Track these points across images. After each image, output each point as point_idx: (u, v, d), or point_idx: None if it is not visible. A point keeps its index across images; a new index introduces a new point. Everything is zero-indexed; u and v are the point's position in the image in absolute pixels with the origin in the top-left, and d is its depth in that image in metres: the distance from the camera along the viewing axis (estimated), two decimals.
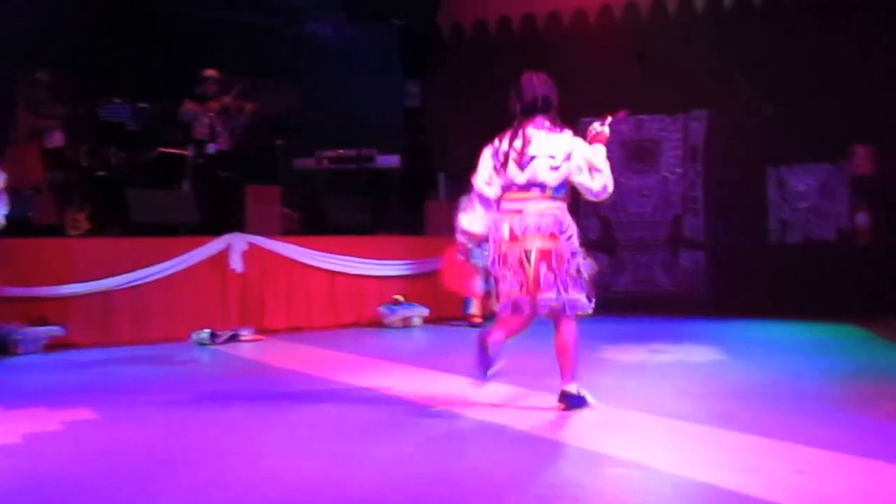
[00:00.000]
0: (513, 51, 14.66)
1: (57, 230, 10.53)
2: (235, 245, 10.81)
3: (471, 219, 6.20)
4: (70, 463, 4.54)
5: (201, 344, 9.83)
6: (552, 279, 5.85)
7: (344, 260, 11.67)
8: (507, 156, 6.22)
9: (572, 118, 14.10)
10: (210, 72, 12.05)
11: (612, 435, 4.83)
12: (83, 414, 5.74)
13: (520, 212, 5.98)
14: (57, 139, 11.48)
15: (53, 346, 9.36)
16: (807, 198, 13.03)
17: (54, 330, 9.41)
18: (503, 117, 13.22)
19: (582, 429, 5.00)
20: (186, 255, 10.42)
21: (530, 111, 6.43)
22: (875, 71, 12.45)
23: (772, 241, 13.24)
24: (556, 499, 3.75)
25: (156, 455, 4.67)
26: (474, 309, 11.18)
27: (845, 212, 12.81)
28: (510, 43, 14.75)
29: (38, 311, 9.43)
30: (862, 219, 12.59)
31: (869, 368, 7.67)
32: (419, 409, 5.84)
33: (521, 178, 6.08)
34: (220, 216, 11.76)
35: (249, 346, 9.79)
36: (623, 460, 4.27)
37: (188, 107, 11.91)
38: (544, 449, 4.62)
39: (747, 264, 13.21)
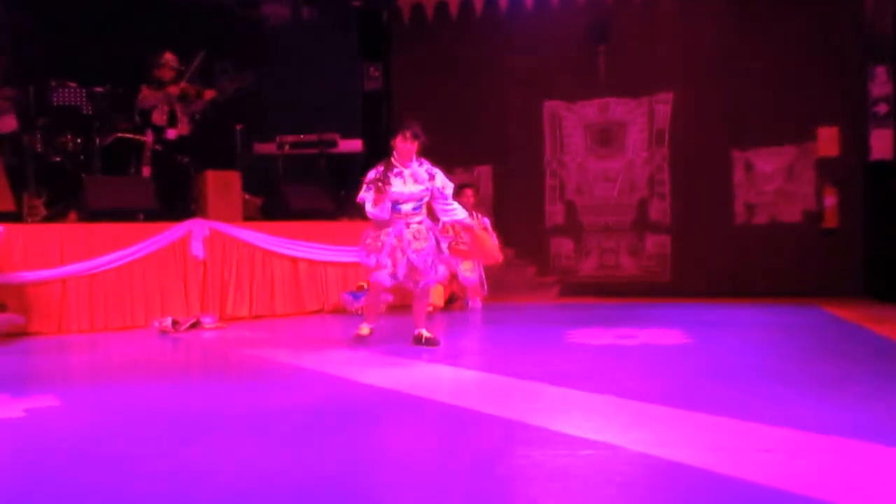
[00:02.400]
0: (475, 33, 14.71)
1: (14, 217, 10.49)
2: (196, 231, 10.81)
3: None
4: (34, 450, 4.56)
5: (163, 332, 9.85)
6: None
7: (306, 246, 11.69)
8: None
9: (537, 101, 14.32)
10: (167, 56, 12.01)
11: (579, 417, 4.87)
12: (47, 401, 5.74)
13: None
14: (9, 123, 11.39)
15: (11, 334, 9.35)
16: (773, 180, 13.15)
17: (13, 318, 9.40)
18: (465, 100, 13.49)
19: (549, 411, 5.05)
20: (146, 242, 10.43)
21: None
22: (839, 52, 12.59)
23: (738, 223, 13.36)
24: (523, 479, 3.81)
25: (121, 443, 4.69)
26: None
27: (811, 194, 12.94)
28: (472, 25, 14.78)
29: None
30: (828, 200, 12.72)
31: (834, 351, 7.77)
32: (383, 395, 5.89)
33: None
34: (180, 202, 11.76)
35: (212, 334, 9.80)
36: (591, 441, 4.32)
37: (145, 94, 11.88)
38: (511, 431, 4.65)
39: (713, 248, 13.34)
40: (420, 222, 7.93)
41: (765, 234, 13.17)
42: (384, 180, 7.68)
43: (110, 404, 5.85)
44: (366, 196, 7.86)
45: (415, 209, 7.90)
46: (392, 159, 7.94)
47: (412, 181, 7.86)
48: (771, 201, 13.19)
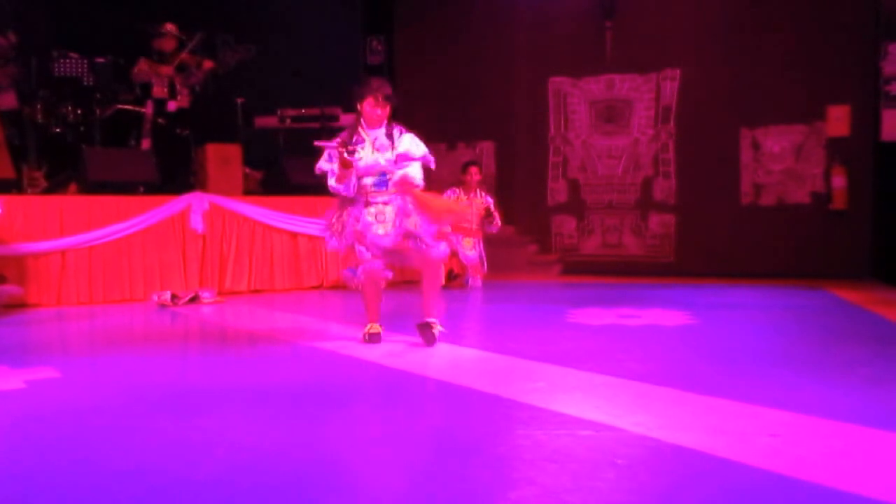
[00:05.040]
0: (480, 6, 14.67)
1: (14, 186, 10.48)
2: (196, 205, 10.80)
3: None
4: (34, 421, 4.55)
5: (162, 305, 9.86)
6: None
7: (307, 221, 11.66)
8: None
9: (542, 77, 14.26)
10: (168, 26, 11.99)
11: (580, 397, 4.85)
12: (46, 373, 5.74)
13: None
14: (9, 100, 11.38)
15: (10, 306, 9.35)
16: (781, 160, 13.11)
17: (12, 289, 9.40)
18: (469, 75, 13.29)
19: (550, 391, 5.03)
20: (146, 215, 10.43)
21: None
22: (851, 29, 12.52)
23: (745, 203, 13.33)
24: (522, 460, 3.79)
25: (119, 415, 4.68)
26: None
27: (820, 174, 12.90)
28: None
29: None
30: (837, 181, 12.67)
31: (841, 333, 7.73)
32: (383, 372, 5.88)
33: None
34: (180, 175, 11.75)
35: (211, 309, 9.79)
36: (592, 422, 4.30)
37: (142, 67, 11.86)
38: (510, 411, 4.63)
39: (719, 228, 13.33)
40: (386, 202, 6.85)
41: (772, 215, 13.14)
42: (350, 149, 6.66)
43: (110, 377, 5.84)
44: (326, 167, 6.89)
45: (376, 185, 6.84)
46: (359, 127, 6.95)
47: (371, 148, 6.84)
48: (778, 181, 13.15)
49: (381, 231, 6.78)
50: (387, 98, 6.85)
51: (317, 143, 6.83)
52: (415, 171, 6.81)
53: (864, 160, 12.43)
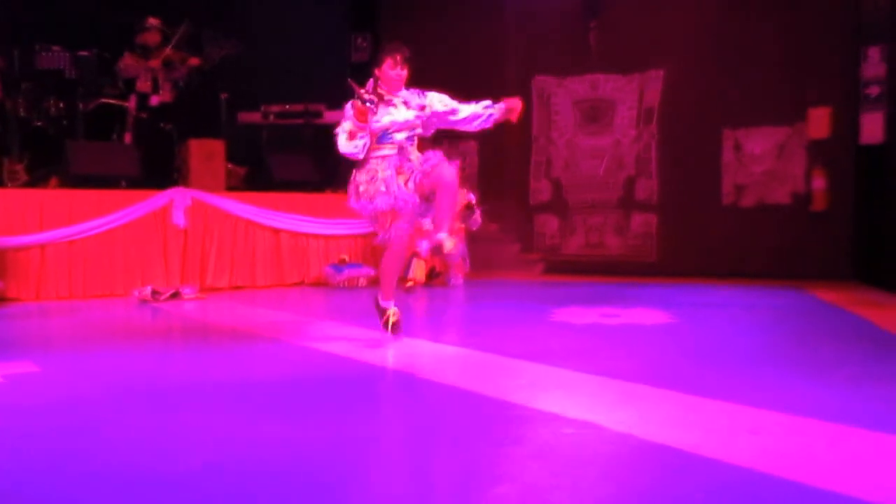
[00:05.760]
0: (465, 5, 14.65)
1: None
2: (178, 200, 10.75)
3: None
4: (13, 415, 4.52)
5: (143, 301, 9.81)
6: None
7: (289, 218, 11.64)
8: None
9: (526, 76, 14.25)
10: (152, 20, 11.94)
11: (562, 395, 4.85)
12: (25, 367, 5.71)
13: None
14: None
15: None
16: (762, 161, 13.12)
17: None
18: (454, 73, 13.22)
19: (533, 389, 5.02)
20: (127, 210, 10.37)
21: None
22: (833, 32, 12.55)
23: (726, 204, 13.34)
24: (504, 457, 3.78)
25: (100, 410, 4.66)
26: (413, 272, 11.20)
27: (801, 175, 12.92)
28: None
29: None
30: (817, 183, 12.70)
31: (822, 333, 7.75)
32: (364, 369, 5.86)
33: None
34: (163, 170, 11.70)
35: (192, 305, 9.75)
36: (575, 420, 4.29)
37: (125, 62, 11.82)
38: (493, 409, 4.62)
39: (700, 228, 13.32)
40: (409, 158, 6.74)
41: (753, 216, 13.15)
42: (369, 98, 6.45)
43: (90, 372, 5.81)
44: (341, 128, 6.65)
45: (409, 139, 6.77)
46: (378, 88, 6.74)
47: (404, 108, 6.76)
48: (760, 182, 13.16)
49: (402, 182, 6.61)
50: (406, 59, 6.78)
51: (350, 81, 6.55)
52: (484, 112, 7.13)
53: (844, 162, 12.44)
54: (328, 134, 13.87)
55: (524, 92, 14.22)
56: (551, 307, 9.12)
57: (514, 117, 7.14)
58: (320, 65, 14.27)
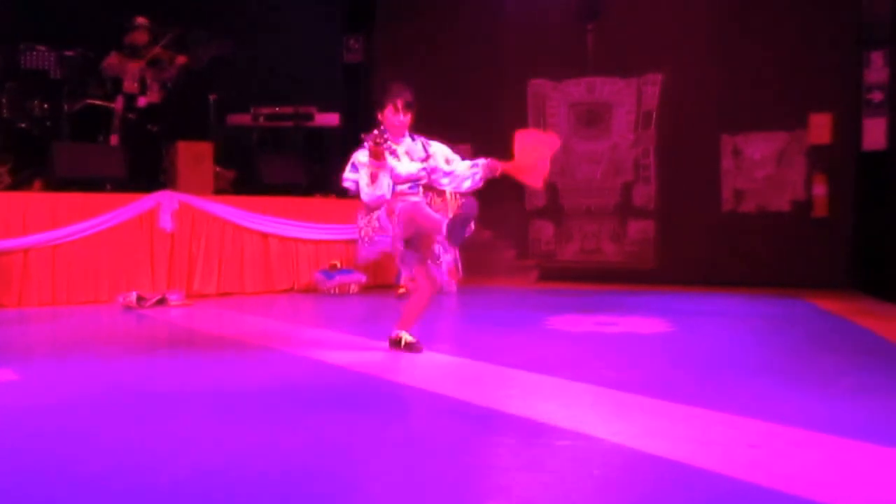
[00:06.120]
0: (461, 6, 14.64)
1: None
2: (165, 204, 10.72)
3: None
4: None
5: (127, 307, 9.77)
6: None
7: (278, 222, 11.62)
8: None
9: (522, 79, 14.25)
10: (140, 19, 11.92)
11: (556, 405, 4.82)
12: (4, 375, 5.67)
13: None
14: None
15: None
16: (762, 167, 13.13)
17: None
18: (448, 76, 13.15)
19: (526, 399, 5.00)
20: (113, 213, 10.33)
21: None
22: (834, 36, 12.55)
23: (725, 210, 13.35)
24: (496, 469, 3.76)
25: (82, 419, 4.62)
26: (405, 281, 11.20)
27: (801, 182, 12.92)
28: None
29: None
30: (818, 189, 12.70)
31: (822, 343, 7.74)
32: (354, 378, 5.83)
33: None
34: (150, 173, 11.67)
35: (179, 312, 9.72)
36: (569, 431, 4.26)
37: (111, 62, 11.78)
38: (484, 419, 4.59)
39: (699, 235, 13.33)
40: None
41: (752, 223, 13.17)
42: (383, 147, 6.22)
43: (72, 380, 5.77)
44: (353, 177, 6.55)
45: (411, 189, 6.65)
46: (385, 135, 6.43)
47: (407, 159, 6.65)
48: (760, 188, 13.18)
49: (426, 209, 6.60)
50: (407, 105, 6.63)
51: (363, 135, 6.43)
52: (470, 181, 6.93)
53: (845, 169, 12.45)
54: (318, 137, 13.94)
55: (520, 94, 14.24)
56: (546, 315, 9.11)
57: (497, 174, 6.96)
58: (312, 66, 14.26)
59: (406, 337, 6.71)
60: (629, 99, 14.02)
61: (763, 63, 12.97)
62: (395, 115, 6.58)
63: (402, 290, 9.88)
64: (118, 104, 11.70)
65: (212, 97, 12.96)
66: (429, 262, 6.63)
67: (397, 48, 14.88)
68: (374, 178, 6.34)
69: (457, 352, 7.02)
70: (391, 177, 6.43)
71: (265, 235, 11.58)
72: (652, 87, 13.87)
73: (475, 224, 10.67)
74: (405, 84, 6.80)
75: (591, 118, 14.20)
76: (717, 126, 13.34)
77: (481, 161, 6.94)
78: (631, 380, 5.64)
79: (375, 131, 6.22)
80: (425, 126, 14.25)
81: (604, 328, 8.20)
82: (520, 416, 4.60)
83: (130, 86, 11.75)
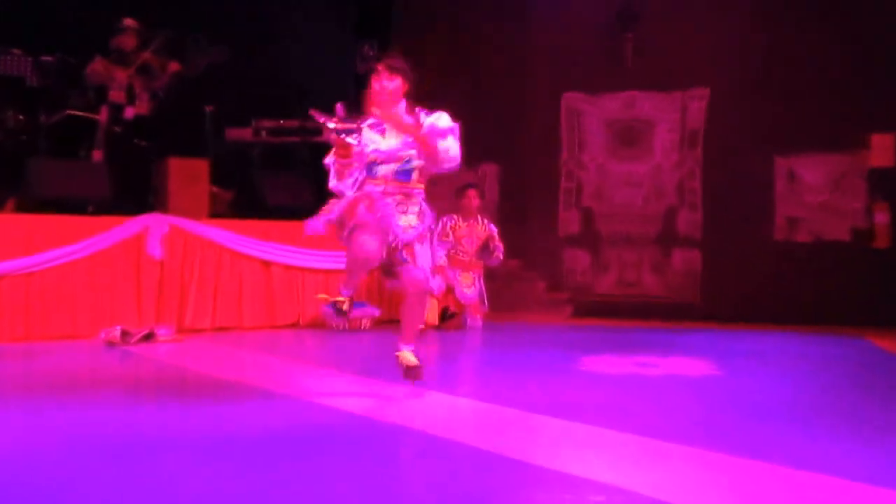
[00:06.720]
0: (487, 11, 14.69)
1: None
2: (154, 228, 10.68)
3: None
4: None
5: (110, 343, 9.74)
6: None
7: (282, 249, 11.59)
8: None
9: (554, 92, 14.24)
10: (129, 21, 11.94)
11: (591, 457, 4.80)
12: None
13: None
14: None
15: None
16: (818, 192, 13.12)
17: None
18: (475, 86, 13.12)
19: (557, 450, 4.97)
20: (95, 238, 10.27)
21: None
22: None
23: (778, 240, 13.32)
24: None
25: (58, 469, 4.59)
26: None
27: (861, 209, 12.91)
28: (483, 3, 14.77)
29: None
30: (880, 217, 12.67)
31: (883, 388, 7.76)
32: (363, 424, 5.80)
33: None
34: (137, 193, 11.68)
35: (168, 348, 9.69)
36: (603, 484, 4.23)
37: (96, 68, 11.79)
38: (514, 472, 4.56)
39: (749, 266, 13.30)
40: (407, 195, 6.47)
41: (807, 253, 13.15)
42: (349, 130, 6.13)
43: (45, 427, 5.72)
44: (329, 161, 6.51)
45: (398, 175, 6.43)
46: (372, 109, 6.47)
47: (392, 134, 6.46)
48: (815, 216, 13.18)
49: (404, 222, 6.31)
50: (393, 69, 6.46)
51: (311, 110, 6.37)
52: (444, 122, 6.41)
53: None
54: (328, 154, 13.91)
55: (552, 110, 14.24)
56: (579, 354, 9.11)
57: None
58: (321, 75, 14.28)
59: (408, 358, 6.59)
60: (672, 116, 14.03)
61: (821, 78, 12.96)
62: (377, 81, 6.44)
63: (419, 327, 9.86)
64: (102, 116, 11.70)
65: (208, 109, 12.96)
66: (406, 266, 6.44)
67: (415, 56, 14.86)
68: (339, 175, 6.38)
69: (480, 395, 6.99)
70: (372, 155, 6.40)
71: (267, 264, 11.54)
72: (698, 102, 13.88)
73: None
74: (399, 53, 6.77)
75: (631, 137, 14.21)
76: (769, 146, 13.34)
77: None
78: (672, 427, 5.65)
79: (332, 116, 6.11)
80: None
81: (643, 370, 8.22)
82: (549, 468, 4.57)
83: (116, 95, 11.76)
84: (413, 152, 6.44)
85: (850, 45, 12.80)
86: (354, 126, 6.20)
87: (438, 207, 11.24)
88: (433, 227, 6.67)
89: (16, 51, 11.81)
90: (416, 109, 6.55)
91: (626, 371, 8.17)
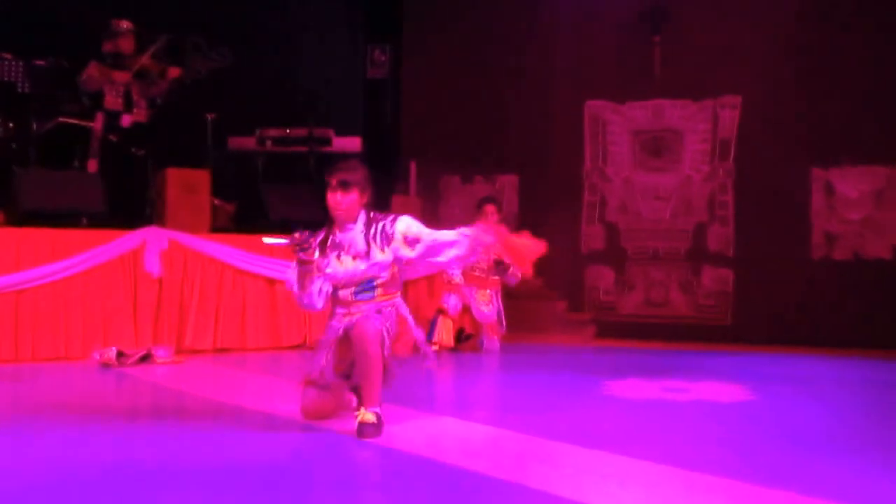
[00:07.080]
0: (504, 14, 14.68)
1: None
2: (152, 242, 10.69)
3: None
4: None
5: (105, 365, 9.74)
6: None
7: (288, 266, 11.56)
8: None
9: (577, 100, 14.24)
10: (125, 24, 11.94)
11: (615, 488, 4.80)
12: None
13: None
14: None
15: None
16: (859, 207, 13.08)
17: None
18: (489, 95, 13.12)
19: (580, 479, 4.96)
20: (89, 253, 10.28)
21: None
22: None
23: (815, 258, 13.28)
24: None
25: (38, 487, 4.62)
26: (439, 335, 11.17)
27: None
28: (502, 4, 14.77)
29: None
30: None
31: None
32: (377, 454, 5.79)
33: None
34: (134, 206, 11.68)
35: (166, 370, 9.70)
36: None
37: (91, 73, 11.79)
38: (529, 502, 4.58)
39: (784, 286, 13.26)
40: (377, 311, 6.40)
41: (847, 272, 13.11)
42: (307, 246, 6.20)
43: (36, 454, 5.74)
44: (289, 276, 6.52)
45: (358, 295, 6.41)
46: (334, 226, 6.51)
47: (350, 255, 6.37)
48: (856, 232, 13.13)
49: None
50: (343, 184, 6.35)
51: (265, 239, 6.37)
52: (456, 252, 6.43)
53: None
54: (337, 163, 13.91)
55: (575, 119, 14.24)
56: (603, 378, 9.08)
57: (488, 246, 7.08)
58: (329, 82, 14.33)
59: (365, 415, 6.15)
60: (703, 125, 14.01)
61: (860, 85, 12.93)
62: (332, 195, 6.38)
63: (434, 348, 9.86)
64: (97, 123, 11.69)
65: (209, 116, 12.95)
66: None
67: (429, 61, 14.93)
68: (301, 284, 6.34)
69: (497, 422, 6.97)
70: (331, 278, 6.39)
71: (271, 281, 11.53)
72: (730, 111, 13.86)
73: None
74: (357, 160, 6.82)
75: (659, 147, 14.19)
76: (806, 158, 13.31)
77: (466, 230, 6.54)
78: (703, 457, 5.65)
79: (297, 233, 6.20)
80: (464, 155, 14.39)
81: (671, 395, 8.20)
82: (571, 499, 4.56)
83: (113, 102, 11.75)
84: (375, 272, 6.39)
85: (892, 49, 12.78)
86: (310, 242, 6.26)
87: (456, 221, 11.30)
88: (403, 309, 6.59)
89: (6, 55, 11.82)
90: (376, 218, 6.46)
91: (652, 396, 8.15)
